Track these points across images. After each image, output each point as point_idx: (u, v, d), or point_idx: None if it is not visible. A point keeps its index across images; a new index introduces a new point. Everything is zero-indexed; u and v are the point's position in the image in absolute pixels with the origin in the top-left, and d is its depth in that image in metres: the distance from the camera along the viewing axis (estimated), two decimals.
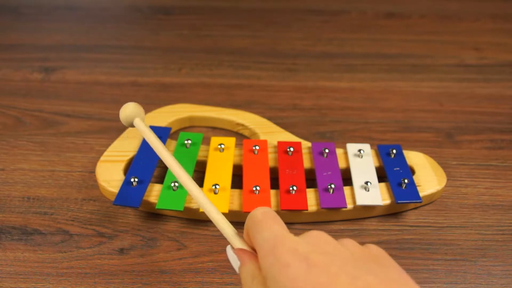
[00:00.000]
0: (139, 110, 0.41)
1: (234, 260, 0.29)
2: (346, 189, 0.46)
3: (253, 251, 0.28)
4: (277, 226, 0.27)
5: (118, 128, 0.56)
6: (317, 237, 0.26)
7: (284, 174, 0.47)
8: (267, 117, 0.57)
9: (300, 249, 0.24)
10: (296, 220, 0.45)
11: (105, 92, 0.64)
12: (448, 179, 0.49)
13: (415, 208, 0.47)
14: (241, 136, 0.56)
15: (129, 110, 0.40)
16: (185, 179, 0.34)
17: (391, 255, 0.29)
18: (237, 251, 0.29)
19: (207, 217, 0.45)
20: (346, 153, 0.50)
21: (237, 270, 0.28)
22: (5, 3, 0.90)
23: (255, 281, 0.26)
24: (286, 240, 0.25)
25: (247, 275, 0.27)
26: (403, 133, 0.58)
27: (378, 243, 0.43)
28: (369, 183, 0.45)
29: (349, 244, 0.26)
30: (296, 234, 0.44)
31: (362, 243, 0.27)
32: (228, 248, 0.30)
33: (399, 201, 0.44)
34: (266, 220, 0.27)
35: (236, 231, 0.30)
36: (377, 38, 0.81)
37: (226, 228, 0.31)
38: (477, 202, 0.48)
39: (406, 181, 0.45)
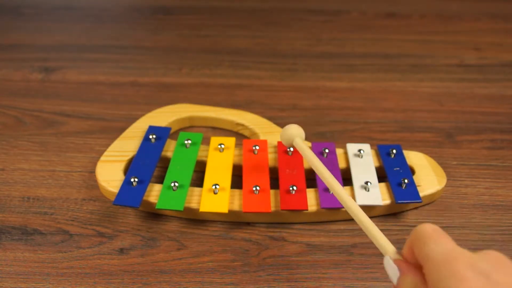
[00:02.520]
0: (300, 131, 0.44)
1: (392, 270, 0.29)
2: (346, 189, 0.46)
3: (415, 266, 0.28)
4: (450, 241, 0.26)
5: (118, 128, 0.56)
6: (496, 257, 0.25)
7: (284, 174, 0.47)
8: (267, 117, 0.57)
9: (480, 265, 0.24)
10: (296, 220, 0.45)
11: (105, 92, 0.64)
12: (448, 179, 0.49)
13: (415, 208, 0.47)
14: (241, 136, 0.56)
15: (290, 131, 0.44)
16: (341, 192, 0.36)
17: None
18: (397, 261, 0.29)
19: (206, 217, 0.45)
20: (346, 153, 0.50)
21: (395, 281, 0.28)
22: (5, 3, 0.90)
23: None
24: (463, 254, 0.25)
25: (409, 286, 0.27)
26: (403, 133, 0.58)
27: None
28: (369, 183, 0.45)
29: None
30: (297, 234, 0.44)
31: None
32: (387, 258, 0.30)
33: (399, 201, 0.44)
34: (437, 234, 0.27)
35: (395, 249, 0.31)
36: (377, 38, 0.81)
37: (385, 243, 0.31)
38: (477, 202, 0.48)
39: (406, 181, 0.45)
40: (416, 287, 0.26)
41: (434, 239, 0.26)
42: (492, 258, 0.24)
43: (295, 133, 0.44)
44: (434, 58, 0.75)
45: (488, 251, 0.25)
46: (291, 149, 0.49)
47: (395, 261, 0.29)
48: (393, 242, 0.43)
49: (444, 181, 0.48)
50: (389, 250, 0.30)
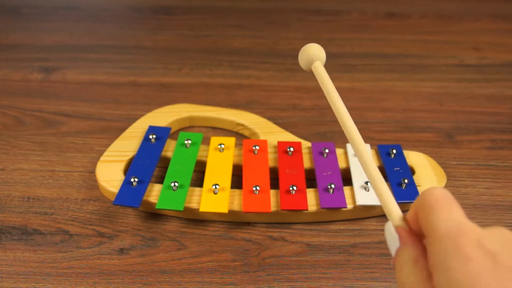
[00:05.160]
0: (322, 54, 0.39)
1: (392, 240, 0.25)
2: (346, 189, 0.46)
3: (419, 236, 0.25)
4: (458, 211, 0.23)
5: (118, 128, 0.56)
6: (506, 236, 0.22)
7: (284, 174, 0.47)
8: (267, 117, 0.57)
9: (487, 244, 0.21)
10: (296, 220, 0.45)
11: (105, 92, 0.64)
12: (448, 179, 0.49)
13: None
14: (241, 136, 0.56)
15: (312, 51, 0.39)
16: (354, 133, 0.32)
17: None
18: (399, 229, 0.25)
19: (206, 217, 0.45)
20: (346, 153, 0.50)
21: (393, 251, 0.25)
22: (5, 3, 0.90)
23: (416, 267, 0.23)
24: (471, 230, 0.22)
25: (407, 259, 0.23)
26: (403, 133, 0.58)
27: (378, 243, 0.43)
28: (369, 183, 0.45)
29: None
30: (297, 234, 0.44)
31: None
32: (389, 225, 0.26)
33: (399, 201, 0.44)
34: (445, 201, 0.23)
35: (401, 213, 0.27)
36: (377, 38, 0.81)
37: (391, 204, 0.27)
38: (477, 202, 0.48)
39: (406, 181, 0.45)
40: (415, 261, 0.23)
41: (443, 207, 0.23)
42: (502, 237, 0.22)
43: (317, 55, 0.38)
44: (434, 58, 0.75)
45: (499, 228, 0.23)
46: (291, 149, 0.49)
47: (397, 228, 0.25)
48: None
49: (444, 181, 0.48)
50: (394, 214, 0.26)
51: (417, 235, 0.25)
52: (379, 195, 0.28)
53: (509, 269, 0.20)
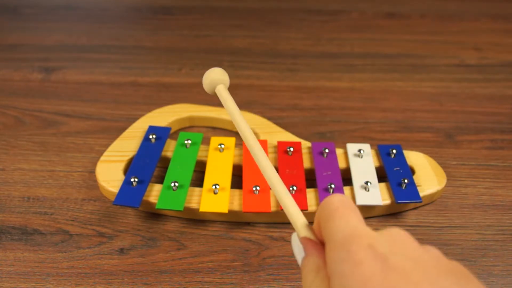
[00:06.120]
0: (225, 77, 0.39)
1: (298, 250, 0.26)
2: (346, 189, 0.46)
3: (322, 244, 0.25)
4: (355, 218, 0.23)
5: (118, 128, 0.56)
6: (399, 237, 0.22)
7: (284, 174, 0.47)
8: (267, 117, 0.57)
9: (378, 247, 0.21)
10: None
11: (105, 92, 0.64)
12: (448, 179, 0.49)
13: (415, 208, 0.47)
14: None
15: (214, 75, 0.39)
16: (257, 150, 0.32)
17: None
18: (303, 239, 0.25)
19: (206, 217, 0.45)
20: (346, 153, 0.50)
21: (299, 261, 0.25)
22: (5, 3, 0.90)
23: (319, 275, 0.23)
24: (363, 234, 0.22)
25: (310, 268, 0.24)
26: (403, 133, 0.58)
27: None
28: (369, 183, 0.45)
29: (435, 252, 0.22)
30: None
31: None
32: (294, 236, 0.27)
33: (399, 201, 0.44)
34: (343, 209, 0.24)
35: (306, 222, 0.27)
36: (377, 38, 0.81)
37: (295, 214, 0.27)
38: (477, 202, 0.48)
39: (406, 181, 0.45)
40: (318, 270, 0.23)
41: (340, 214, 0.23)
42: (394, 238, 0.22)
43: (219, 78, 0.39)
44: (434, 58, 0.75)
45: (393, 229, 0.23)
46: (291, 149, 0.49)
47: (301, 239, 0.26)
48: None
49: (444, 181, 0.48)
50: (299, 225, 0.26)
51: (321, 244, 0.25)
52: (283, 205, 0.28)
53: (397, 270, 0.20)
